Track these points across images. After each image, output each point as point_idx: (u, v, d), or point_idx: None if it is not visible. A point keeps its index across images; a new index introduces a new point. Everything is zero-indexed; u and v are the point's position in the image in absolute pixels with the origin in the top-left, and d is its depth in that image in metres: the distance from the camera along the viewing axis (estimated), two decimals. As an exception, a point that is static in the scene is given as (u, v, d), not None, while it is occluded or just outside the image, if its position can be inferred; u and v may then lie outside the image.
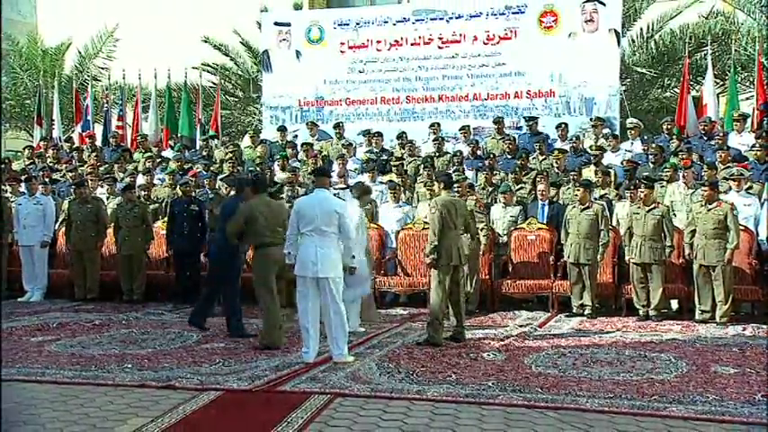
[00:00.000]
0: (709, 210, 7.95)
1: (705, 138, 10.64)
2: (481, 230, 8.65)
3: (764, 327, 7.71)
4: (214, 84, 15.77)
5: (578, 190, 8.57)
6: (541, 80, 12.18)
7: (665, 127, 11.20)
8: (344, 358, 6.12)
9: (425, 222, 9.36)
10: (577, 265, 8.39)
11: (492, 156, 10.71)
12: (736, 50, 12.57)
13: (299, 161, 11.62)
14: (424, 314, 8.60)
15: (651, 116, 13.71)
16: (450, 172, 9.35)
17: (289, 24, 13.48)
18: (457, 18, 12.65)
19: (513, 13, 12.37)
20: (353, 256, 6.54)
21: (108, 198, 10.60)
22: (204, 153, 12.49)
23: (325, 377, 5.63)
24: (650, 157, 10.05)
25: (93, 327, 7.87)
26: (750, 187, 8.99)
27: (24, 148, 14.33)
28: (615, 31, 11.92)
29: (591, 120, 11.45)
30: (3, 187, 10.86)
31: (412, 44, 12.80)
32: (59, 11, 20.01)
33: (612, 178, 9.76)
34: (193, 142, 14.02)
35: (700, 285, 8.00)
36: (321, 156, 11.72)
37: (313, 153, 11.56)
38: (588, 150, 10.63)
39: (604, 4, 11.88)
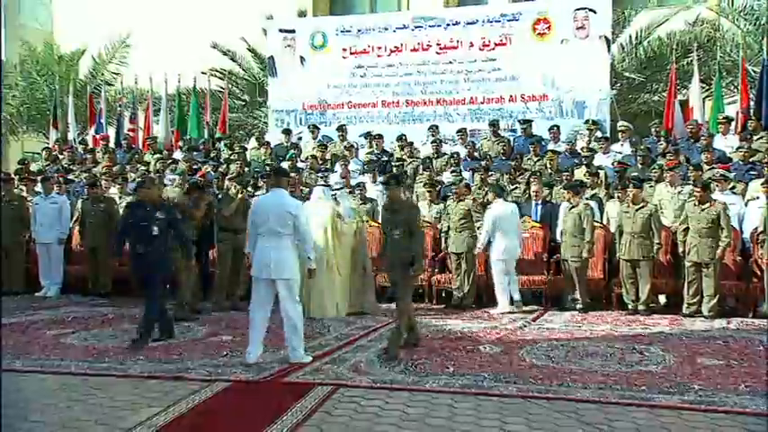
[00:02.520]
0: (702, 209, 7.96)
1: (692, 140, 10.65)
2: (478, 229, 8.66)
3: (748, 320, 7.73)
4: (222, 88, 15.73)
5: (566, 191, 8.60)
6: (535, 85, 12.18)
7: (653, 129, 11.21)
8: (301, 359, 5.77)
9: (424, 221, 9.39)
10: (568, 262, 8.40)
11: (488, 157, 10.71)
12: (720, 56, 12.55)
13: (302, 161, 11.63)
14: (422, 308, 8.62)
15: (640, 119, 13.67)
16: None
17: (293, 31, 13.47)
18: (454, 25, 12.64)
19: (508, 20, 12.37)
20: (310, 258, 6.05)
21: (120, 197, 10.60)
22: (211, 155, 12.49)
23: (329, 369, 5.62)
24: (638, 158, 10.05)
25: (106, 320, 7.89)
26: (734, 187, 9.00)
27: (43, 150, 14.33)
28: (605, 37, 11.92)
29: (587, 122, 11.42)
30: (20, 187, 10.87)
31: (411, 50, 12.80)
32: (75, 19, 19.97)
33: (603, 178, 9.76)
34: (204, 144, 14.01)
35: (690, 281, 8.00)
36: (332, 156, 11.76)
37: (323, 153, 11.60)
38: (580, 152, 10.63)
39: (595, 12, 11.88)
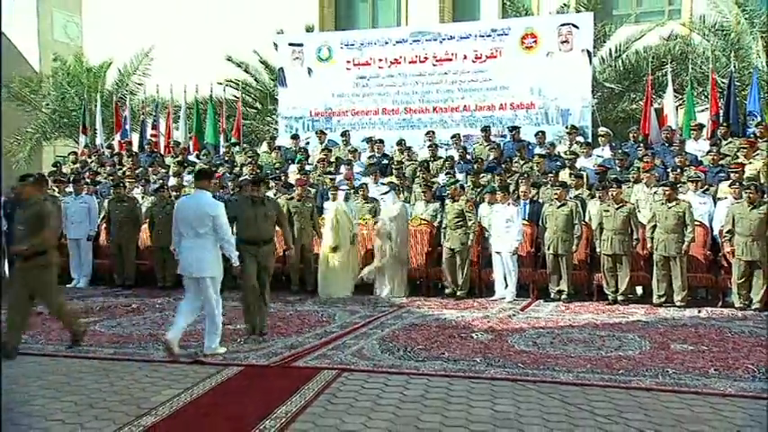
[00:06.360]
0: (669, 207, 7.95)
1: (666, 144, 10.64)
2: (471, 226, 8.65)
3: (717, 310, 7.73)
4: (236, 97, 15.72)
5: (557, 189, 8.59)
6: (523, 94, 12.16)
7: (631, 135, 11.18)
8: (215, 350, 5.62)
9: (422, 219, 9.38)
10: (555, 256, 8.39)
11: (480, 160, 10.69)
12: (692, 68, 12.54)
13: (310, 164, 11.62)
14: (420, 299, 8.60)
15: (619, 125, 13.65)
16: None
17: (301, 45, 13.46)
18: (449, 39, 12.62)
19: (498, 34, 12.35)
20: (231, 257, 5.76)
21: (143, 197, 10.59)
22: (227, 158, 12.48)
23: (333, 355, 5.62)
24: (617, 161, 10.04)
25: (130, 310, 7.89)
26: (706, 188, 8.99)
27: (69, 154, 14.34)
28: (587, 50, 11.89)
29: (566, 128, 11.42)
30: (53, 188, 10.86)
31: (409, 62, 12.77)
32: (102, 35, 20.01)
33: (585, 180, 9.74)
34: (217, 149, 14.03)
35: (659, 274, 7.99)
36: (336, 159, 11.74)
37: (327, 157, 11.58)
38: (563, 155, 10.62)
39: (578, 28, 11.87)
